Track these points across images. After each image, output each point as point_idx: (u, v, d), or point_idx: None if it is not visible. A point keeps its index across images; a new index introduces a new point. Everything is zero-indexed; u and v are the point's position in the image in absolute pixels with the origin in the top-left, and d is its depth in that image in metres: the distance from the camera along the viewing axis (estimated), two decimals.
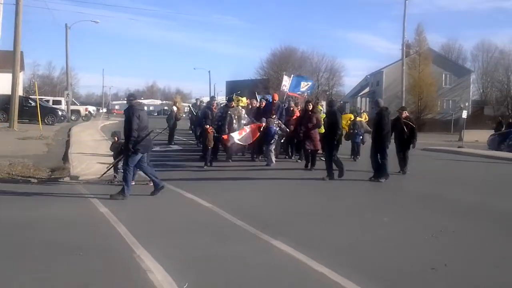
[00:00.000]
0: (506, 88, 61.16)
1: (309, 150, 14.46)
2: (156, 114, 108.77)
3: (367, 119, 19.16)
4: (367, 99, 68.36)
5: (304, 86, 23.08)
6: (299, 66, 69.88)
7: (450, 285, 5.47)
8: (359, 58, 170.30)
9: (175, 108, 25.84)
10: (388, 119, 12.71)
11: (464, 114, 31.85)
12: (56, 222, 8.16)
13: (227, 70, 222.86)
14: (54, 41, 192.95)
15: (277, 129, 16.12)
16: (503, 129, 34.21)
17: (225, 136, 15.75)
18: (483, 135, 31.75)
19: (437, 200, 10.66)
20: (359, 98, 70.43)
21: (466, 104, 45.97)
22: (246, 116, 17.25)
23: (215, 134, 15.32)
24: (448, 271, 5.88)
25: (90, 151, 17.39)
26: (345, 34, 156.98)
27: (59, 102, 44.25)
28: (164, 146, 22.19)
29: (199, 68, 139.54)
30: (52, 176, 12.71)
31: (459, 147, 26.62)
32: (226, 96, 59.87)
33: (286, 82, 22.74)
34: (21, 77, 39.89)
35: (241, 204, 9.71)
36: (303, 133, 14.50)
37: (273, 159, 15.51)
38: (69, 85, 47.65)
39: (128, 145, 10.01)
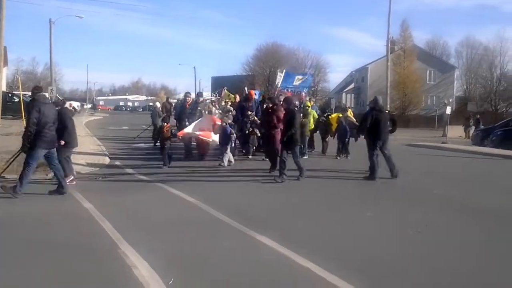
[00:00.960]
0: (489, 85, 61.61)
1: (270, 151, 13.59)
2: (141, 110, 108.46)
3: (351, 115, 19.09)
4: (352, 95, 68.51)
5: (299, 80, 22.34)
6: (285, 62, 69.85)
7: (434, 279, 5.52)
8: (345, 54, 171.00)
9: (158, 105, 25.41)
10: (371, 118, 12.62)
11: (448, 110, 32.03)
12: (40, 218, 8.12)
13: (212, 66, 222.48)
14: (38, 36, 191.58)
15: (251, 125, 15.80)
16: (472, 124, 34.75)
17: (180, 133, 15.24)
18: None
19: (422, 195, 10.73)
20: (344, 94, 70.52)
21: (450, 100, 46.23)
22: (217, 112, 16.73)
23: (173, 132, 14.91)
24: (432, 266, 5.94)
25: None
26: (331, 30, 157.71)
27: None
28: (149, 142, 22.15)
29: (184, 64, 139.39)
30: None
31: (443, 142, 26.80)
32: (211, 92, 59.60)
33: (279, 78, 22.18)
34: (5, 73, 39.53)
35: (226, 200, 9.70)
36: (265, 132, 14.07)
37: (226, 160, 14.24)
38: (53, 81, 47.13)
39: (24, 140, 9.71)
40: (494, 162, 18.30)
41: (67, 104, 13.35)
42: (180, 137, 15.29)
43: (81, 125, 31.33)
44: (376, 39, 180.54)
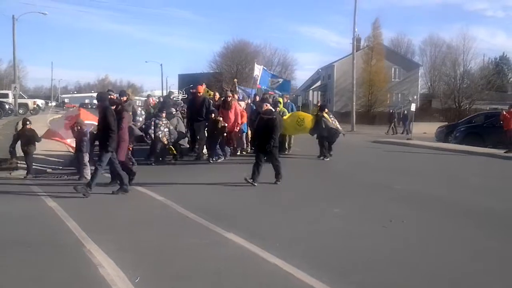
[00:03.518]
0: (453, 82, 62.39)
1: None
2: None
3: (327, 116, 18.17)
4: (319, 92, 68.99)
5: (274, 83, 21.14)
6: (252, 59, 69.75)
7: (402, 274, 5.60)
8: (312, 52, 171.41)
9: None
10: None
11: (413, 107, 32.43)
12: (4, 216, 7.97)
13: (179, 64, 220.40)
14: (1, 33, 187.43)
15: (166, 130, 14.10)
16: (396, 120, 36.05)
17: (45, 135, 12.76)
18: (431, 127, 32.52)
19: (388, 191, 10.85)
20: (311, 92, 70.97)
21: (415, 97, 46.78)
22: (143, 112, 14.93)
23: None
24: (399, 260, 6.02)
25: (39, 145, 16.94)
26: (298, 28, 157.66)
27: (6, 96, 43.14)
28: None
29: (151, 61, 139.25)
30: None
31: (408, 139, 27.17)
32: (178, 90, 59.19)
33: (258, 72, 20.75)
34: None
35: (193, 198, 9.68)
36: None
37: (87, 173, 11.48)
38: (16, 78, 46.38)
39: None
40: (458, 158, 18.62)
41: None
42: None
43: (45, 122, 30.76)
44: (343, 37, 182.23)
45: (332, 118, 16.61)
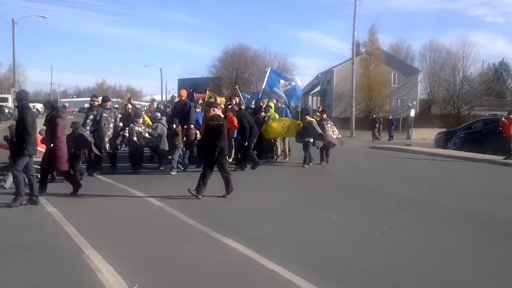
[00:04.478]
0: (452, 88, 62.46)
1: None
2: None
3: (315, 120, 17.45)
4: (318, 97, 69.01)
5: (285, 86, 19.51)
6: (251, 64, 69.88)
7: (401, 281, 5.59)
8: (311, 57, 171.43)
9: (130, 106, 24.17)
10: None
11: (412, 113, 32.45)
12: (2, 222, 7.96)
13: (179, 68, 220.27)
14: (1, 36, 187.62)
15: (146, 135, 13.81)
16: (378, 125, 36.22)
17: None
18: (431, 133, 32.53)
19: (387, 197, 10.86)
20: (310, 97, 71.01)
21: (414, 103, 46.83)
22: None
23: None
24: (399, 267, 6.02)
25: (38, 149, 16.92)
26: (297, 33, 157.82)
27: (5, 100, 43.30)
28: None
29: (150, 66, 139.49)
30: None
31: (407, 145, 27.16)
32: (177, 94, 59.19)
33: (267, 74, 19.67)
34: None
35: (192, 203, 9.64)
36: (49, 150, 10.58)
37: (8, 181, 10.83)
38: (16, 82, 46.36)
39: None
40: (457, 164, 18.62)
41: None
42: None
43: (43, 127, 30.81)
44: (342, 43, 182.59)
45: (330, 125, 16.54)
